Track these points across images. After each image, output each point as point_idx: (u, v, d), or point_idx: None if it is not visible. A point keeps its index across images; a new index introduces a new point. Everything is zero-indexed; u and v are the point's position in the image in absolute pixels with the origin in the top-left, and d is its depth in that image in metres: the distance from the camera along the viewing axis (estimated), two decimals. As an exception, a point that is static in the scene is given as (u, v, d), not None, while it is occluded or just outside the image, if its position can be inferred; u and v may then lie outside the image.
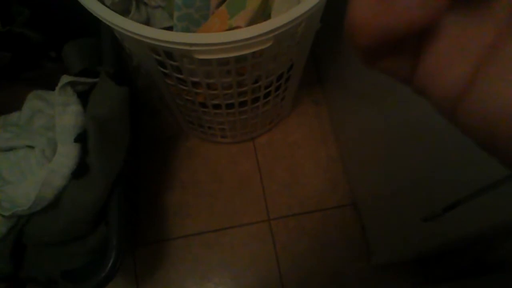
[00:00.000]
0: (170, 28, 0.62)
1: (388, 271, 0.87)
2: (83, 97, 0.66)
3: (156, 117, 1.02)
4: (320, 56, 1.03)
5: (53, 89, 0.63)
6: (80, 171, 0.63)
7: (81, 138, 0.62)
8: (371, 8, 0.13)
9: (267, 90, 0.72)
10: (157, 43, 0.49)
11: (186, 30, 0.57)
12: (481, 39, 0.13)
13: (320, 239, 0.90)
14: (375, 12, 0.13)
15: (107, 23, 0.49)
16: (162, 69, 0.61)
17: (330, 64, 0.94)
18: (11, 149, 0.66)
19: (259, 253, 0.89)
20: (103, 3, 0.62)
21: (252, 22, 0.53)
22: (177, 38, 0.48)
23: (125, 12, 0.66)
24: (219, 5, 0.55)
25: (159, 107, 1.00)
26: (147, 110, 1.02)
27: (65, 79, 0.62)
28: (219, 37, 0.47)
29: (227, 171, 0.96)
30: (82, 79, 0.64)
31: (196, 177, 0.96)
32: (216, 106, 0.73)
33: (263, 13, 0.56)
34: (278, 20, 0.48)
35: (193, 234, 0.91)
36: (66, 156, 0.62)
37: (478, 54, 0.13)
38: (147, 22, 0.65)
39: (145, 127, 1.01)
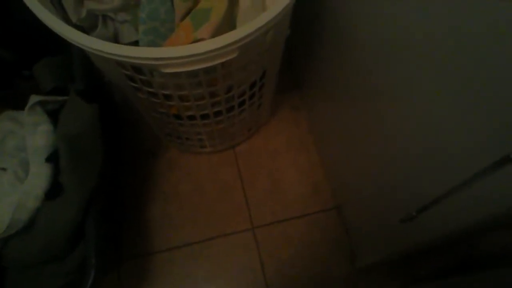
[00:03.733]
0: (138, 43, 0.62)
1: (374, 273, 0.86)
2: (55, 115, 0.65)
3: (136, 130, 1.01)
4: (296, 62, 1.03)
5: (25, 109, 0.62)
6: (53, 191, 0.62)
7: (52, 158, 0.61)
8: None
9: (241, 98, 0.71)
10: (120, 59, 0.48)
11: (152, 44, 0.57)
12: None
13: (305, 245, 0.90)
14: None
15: (69, 40, 0.49)
16: (132, 83, 0.60)
17: (306, 69, 0.94)
18: (-17, 172, 0.65)
19: (245, 262, 0.89)
20: (70, 21, 0.62)
21: (217, 33, 0.52)
22: (140, 53, 0.47)
23: (93, 28, 0.65)
24: (183, 17, 0.55)
25: (138, 120, 0.99)
26: (127, 124, 1.02)
27: (33, 98, 0.61)
28: (182, 51, 0.47)
29: (209, 181, 0.95)
30: (51, 98, 0.63)
31: (178, 188, 0.95)
32: (191, 118, 0.73)
33: (228, 24, 0.55)
34: (241, 30, 0.48)
35: (178, 247, 0.90)
36: (39, 176, 0.61)
37: None
38: (115, 37, 0.65)
39: (125, 140, 1.00)
